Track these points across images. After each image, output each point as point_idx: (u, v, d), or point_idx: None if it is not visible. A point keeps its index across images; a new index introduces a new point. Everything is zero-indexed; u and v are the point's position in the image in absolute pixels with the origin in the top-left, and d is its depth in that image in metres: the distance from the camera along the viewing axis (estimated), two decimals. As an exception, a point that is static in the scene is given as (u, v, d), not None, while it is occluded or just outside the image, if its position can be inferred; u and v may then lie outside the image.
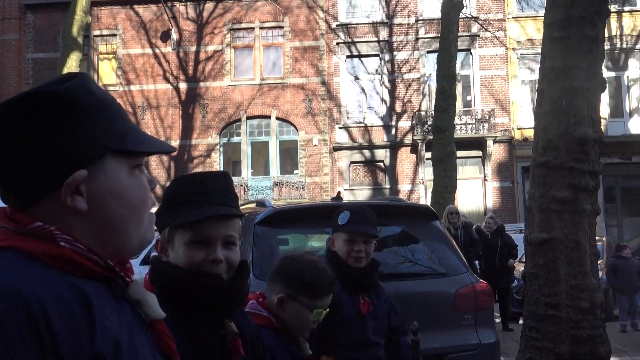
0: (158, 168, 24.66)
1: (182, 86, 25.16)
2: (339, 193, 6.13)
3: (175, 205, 1.68)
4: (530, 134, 6.44)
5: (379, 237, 3.09)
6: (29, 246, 0.96)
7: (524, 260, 7.86)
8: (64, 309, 0.92)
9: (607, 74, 23.13)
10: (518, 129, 23.61)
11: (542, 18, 6.54)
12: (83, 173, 1.01)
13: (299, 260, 2.33)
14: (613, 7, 23.32)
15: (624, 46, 24.07)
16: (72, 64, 16.19)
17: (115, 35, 25.55)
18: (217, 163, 24.69)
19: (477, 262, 10.52)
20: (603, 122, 22.23)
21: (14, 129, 1.00)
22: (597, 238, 12.03)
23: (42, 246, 0.97)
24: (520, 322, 6.25)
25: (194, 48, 25.35)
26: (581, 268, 5.65)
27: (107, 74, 25.50)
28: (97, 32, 25.46)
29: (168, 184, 1.79)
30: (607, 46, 22.91)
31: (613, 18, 23.61)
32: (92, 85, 1.09)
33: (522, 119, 23.28)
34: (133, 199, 1.07)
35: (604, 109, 22.60)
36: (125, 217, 1.06)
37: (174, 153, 23.61)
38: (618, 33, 23.99)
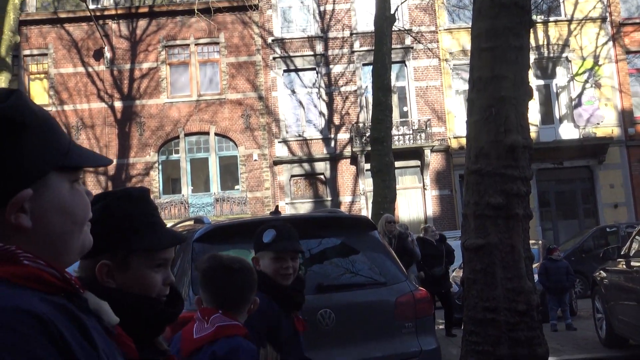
0: (95, 188, 24.14)
1: (118, 104, 24.77)
2: (277, 207, 6.13)
3: (132, 227, 1.63)
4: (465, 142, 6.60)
5: (303, 252, 3.10)
6: None
7: (462, 266, 8.03)
8: (65, 323, 0.95)
9: (536, 82, 23.90)
10: (454, 137, 24.09)
11: (470, 29, 6.72)
12: (28, 192, 1.02)
13: (239, 263, 2.41)
14: (539, 18, 24.12)
15: (551, 55, 24.88)
16: (1, 85, 15.75)
17: (46, 54, 24.99)
18: (155, 181, 24.35)
19: (420, 272, 10.67)
20: (534, 128, 22.93)
21: None
22: (532, 241, 12.39)
23: (7, 267, 0.97)
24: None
25: (128, 66, 25.00)
26: (517, 271, 5.79)
27: (39, 94, 24.89)
28: (27, 52, 24.87)
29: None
30: (535, 55, 23.82)
31: (540, 28, 24.41)
32: (28, 101, 1.08)
33: (457, 128, 23.78)
34: (77, 213, 1.10)
35: (535, 116, 23.31)
36: (69, 231, 1.08)
37: (111, 166, 23.17)
38: (545, 42, 24.80)
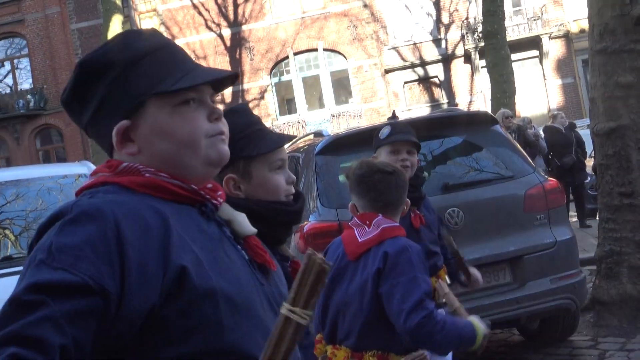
0: (215, 117, 24.90)
1: (226, 32, 25.11)
2: (394, 112, 6.08)
3: (243, 138, 1.73)
4: (587, 24, 6.18)
5: (421, 147, 3.09)
6: (120, 180, 1.14)
7: (593, 155, 7.67)
8: (138, 223, 1.06)
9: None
10: (574, 21, 22.68)
11: None
12: (123, 123, 1.16)
13: (388, 166, 2.47)
14: None
15: None
16: (115, 28, 16.34)
17: (152, -8, 25.58)
18: (271, 104, 24.77)
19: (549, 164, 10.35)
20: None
21: (81, 94, 1.19)
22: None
23: (131, 178, 1.14)
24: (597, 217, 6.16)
25: (231, -8, 25.16)
26: (654, 152, 5.48)
27: (151, 32, 25.62)
28: (134, -8, 25.55)
29: None
30: None
31: None
32: (131, 39, 1.21)
33: (576, 9, 22.30)
34: (178, 133, 1.17)
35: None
36: (175, 150, 1.17)
37: (227, 93, 23.72)
38: None
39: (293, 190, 1.76)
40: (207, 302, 1.06)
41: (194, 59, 1.26)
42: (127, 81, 1.16)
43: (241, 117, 1.77)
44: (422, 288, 2.22)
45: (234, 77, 1.25)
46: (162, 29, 25.33)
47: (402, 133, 2.95)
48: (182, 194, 1.16)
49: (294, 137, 1.81)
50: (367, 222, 2.38)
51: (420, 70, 23.99)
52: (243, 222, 1.26)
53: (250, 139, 1.73)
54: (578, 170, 10.50)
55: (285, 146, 1.85)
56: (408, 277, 2.22)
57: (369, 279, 2.28)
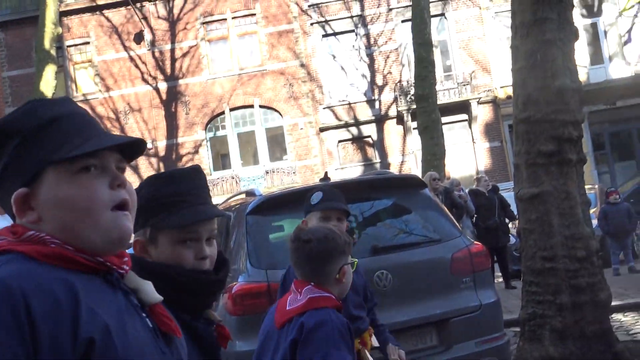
0: (148, 171, 24.58)
1: (162, 86, 25.05)
2: (326, 173, 6.16)
3: (157, 207, 1.71)
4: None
5: (350, 214, 3.15)
6: (24, 249, 1.11)
7: (518, 217, 7.93)
8: (47, 297, 1.04)
9: (582, 21, 23.15)
10: (501, 87, 23.62)
11: (508, -26, 6.53)
12: (21, 191, 1.15)
13: (323, 235, 2.38)
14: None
15: (596, -8, 24.05)
16: (48, 77, 16.10)
17: (88, 42, 25.36)
18: (205, 158, 24.65)
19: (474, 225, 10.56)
20: (583, 70, 22.29)
21: None
22: (588, 186, 12.11)
23: (36, 247, 1.11)
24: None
25: (168, 46, 25.20)
26: (573, 218, 5.69)
27: (85, 83, 25.35)
28: (70, 42, 25.26)
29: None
30: (579, -6, 22.99)
31: (582, -35, 23.57)
32: (38, 107, 1.20)
33: (503, 77, 23.27)
34: (76, 201, 1.15)
35: (584, 57, 22.64)
36: (73, 220, 1.15)
37: (161, 147, 23.49)
38: (589, -20, 23.98)
39: (204, 267, 1.71)
40: None
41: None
42: (28, 148, 1.16)
43: (167, 185, 1.75)
44: None
45: (141, 143, 1.23)
46: (97, 80, 25.08)
47: (334, 200, 3.00)
48: (88, 264, 1.15)
49: (215, 215, 1.75)
50: (299, 289, 2.35)
51: (354, 130, 24.41)
52: (149, 291, 1.25)
53: (164, 208, 1.71)
54: (501, 233, 10.76)
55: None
56: (321, 354, 2.16)
57: (287, 349, 2.23)
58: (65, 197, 1.15)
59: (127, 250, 1.27)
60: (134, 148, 1.23)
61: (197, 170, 1.81)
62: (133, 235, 1.77)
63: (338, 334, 2.20)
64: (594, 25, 24.12)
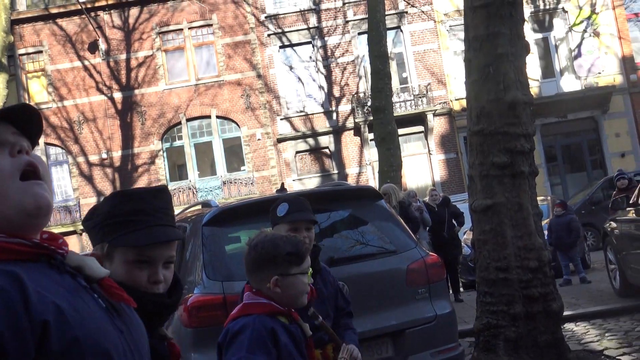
0: (102, 181, 24.23)
1: (117, 96, 24.74)
2: (282, 184, 6.15)
3: (116, 223, 1.69)
4: (465, 104, 6.56)
5: (317, 222, 3.15)
6: None
7: (472, 228, 8.04)
8: None
9: (534, 35, 23.68)
10: (456, 99, 23.97)
11: (462, -11, 6.65)
12: None
13: (268, 241, 2.37)
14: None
15: (547, 7, 24.62)
16: (-1, 86, 15.75)
17: (41, 51, 24.92)
18: (162, 169, 24.40)
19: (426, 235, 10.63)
20: (535, 83, 22.79)
21: None
22: (540, 198, 12.35)
23: None
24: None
25: (124, 56, 24.92)
26: (526, 229, 5.80)
27: (38, 92, 24.89)
28: (22, 51, 24.79)
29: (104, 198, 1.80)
30: (530, 8, 23.57)
31: (534, -19, 24.12)
32: None
33: (458, 89, 23.63)
34: None
35: (535, 71, 23.14)
36: None
37: (117, 157, 23.11)
38: (540, -5, 24.54)
39: (157, 291, 1.69)
40: (74, 352, 1.06)
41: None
42: None
43: (127, 202, 1.72)
44: None
45: (28, 110, 1.19)
46: (50, 90, 24.64)
47: (301, 211, 2.99)
48: (25, 251, 1.11)
49: (173, 239, 1.71)
50: (243, 294, 2.39)
51: (311, 141, 24.46)
52: (93, 266, 1.23)
53: (122, 226, 1.68)
54: (452, 247, 10.81)
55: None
56: (235, 358, 2.17)
57: (217, 352, 2.29)
58: None
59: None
60: (25, 118, 1.18)
61: (160, 191, 1.77)
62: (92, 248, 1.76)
63: (256, 339, 2.18)
64: (545, 40, 24.68)
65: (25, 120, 1.18)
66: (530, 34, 23.31)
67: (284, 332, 2.24)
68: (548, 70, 24.48)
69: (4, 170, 1.11)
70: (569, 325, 7.83)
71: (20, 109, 1.17)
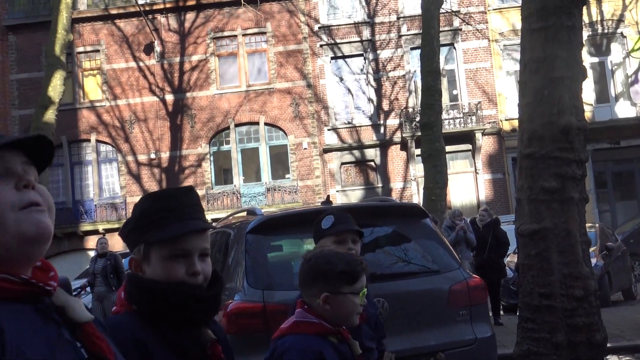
0: (149, 181, 24.62)
1: (169, 98, 25.15)
2: (328, 197, 6.14)
3: (149, 223, 1.72)
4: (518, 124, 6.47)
5: (364, 235, 3.12)
6: None
7: (517, 252, 7.90)
8: None
9: (590, 59, 23.27)
10: (506, 119, 23.69)
11: (520, 10, 6.58)
12: None
13: (323, 256, 2.34)
14: (592, -6, 23.44)
15: (606, 31, 24.20)
16: (56, 82, 16.16)
17: (98, 50, 25.51)
18: (208, 172, 24.67)
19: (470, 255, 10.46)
20: (589, 108, 22.38)
21: None
22: (589, 225, 12.07)
23: None
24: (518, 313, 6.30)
25: (178, 59, 25.34)
26: (573, 256, 5.68)
27: (93, 90, 25.46)
28: (80, 49, 25.42)
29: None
30: (588, 32, 23.20)
31: (593, 4, 23.74)
32: None
33: (509, 109, 23.36)
34: None
35: (590, 95, 22.73)
36: None
37: (164, 158, 23.50)
38: (599, 19, 24.12)
39: (196, 283, 1.70)
40: None
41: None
42: None
43: (158, 201, 1.76)
44: None
45: (44, 142, 1.16)
46: (104, 88, 25.18)
47: (346, 223, 2.94)
48: (12, 289, 1.07)
49: (203, 228, 1.73)
50: (296, 310, 2.33)
51: (357, 153, 24.44)
52: (77, 309, 1.17)
53: (155, 224, 1.71)
54: (491, 271, 10.42)
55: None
56: None
57: None
58: None
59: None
60: (40, 149, 1.16)
61: (189, 190, 1.81)
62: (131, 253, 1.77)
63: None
64: (602, 64, 24.24)
65: (38, 150, 1.17)
66: (587, 58, 22.92)
67: (332, 353, 2.20)
68: (603, 95, 24.02)
69: (6, 202, 1.09)
70: (612, 358, 7.64)
71: (34, 140, 1.15)
